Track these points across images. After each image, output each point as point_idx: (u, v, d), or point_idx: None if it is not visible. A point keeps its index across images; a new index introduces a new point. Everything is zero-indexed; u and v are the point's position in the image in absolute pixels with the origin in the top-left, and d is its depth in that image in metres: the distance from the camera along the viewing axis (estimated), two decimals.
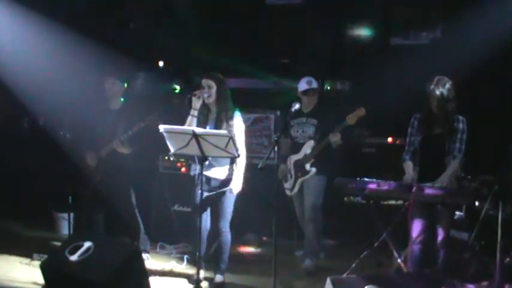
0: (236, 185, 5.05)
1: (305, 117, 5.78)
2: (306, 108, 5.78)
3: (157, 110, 5.52)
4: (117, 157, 5.64)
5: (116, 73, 5.80)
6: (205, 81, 5.09)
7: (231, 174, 5.10)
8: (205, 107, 5.12)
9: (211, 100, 5.08)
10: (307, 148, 5.72)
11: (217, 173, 5.09)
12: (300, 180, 5.77)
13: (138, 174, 5.93)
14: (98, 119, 5.78)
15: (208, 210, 5.17)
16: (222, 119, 5.05)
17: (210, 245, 5.36)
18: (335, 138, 5.46)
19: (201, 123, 5.07)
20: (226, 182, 5.08)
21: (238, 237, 6.26)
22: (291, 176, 5.85)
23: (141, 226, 5.93)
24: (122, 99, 5.83)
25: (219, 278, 5.23)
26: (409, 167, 4.81)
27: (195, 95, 5.01)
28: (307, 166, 5.70)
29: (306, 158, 5.71)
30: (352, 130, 5.55)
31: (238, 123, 5.09)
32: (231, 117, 5.06)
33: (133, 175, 5.84)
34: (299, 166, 5.75)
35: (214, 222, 5.14)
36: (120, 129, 5.60)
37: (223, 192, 5.07)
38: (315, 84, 5.76)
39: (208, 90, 5.05)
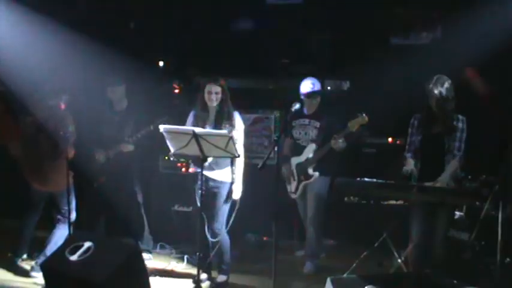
0: (237, 192, 5.09)
1: (307, 119, 5.77)
2: (309, 109, 5.76)
3: (166, 114, 5.53)
4: (123, 158, 5.66)
5: (113, 79, 5.81)
6: (213, 88, 5.05)
7: (230, 176, 5.10)
8: (204, 109, 5.12)
9: (214, 104, 5.07)
10: (309, 152, 5.70)
11: (216, 174, 5.09)
12: (303, 184, 5.76)
13: (142, 174, 5.94)
14: (103, 120, 5.79)
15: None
16: (222, 121, 5.05)
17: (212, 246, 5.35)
18: (336, 145, 5.44)
19: (200, 125, 5.08)
20: (224, 183, 5.08)
21: (239, 237, 6.26)
22: (294, 179, 5.83)
23: (146, 225, 5.95)
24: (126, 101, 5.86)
25: (221, 278, 5.24)
26: (410, 161, 4.80)
27: None
28: (310, 170, 5.69)
29: (308, 162, 5.70)
30: (352, 133, 5.52)
31: (238, 123, 5.09)
32: (231, 118, 5.06)
33: (138, 175, 5.86)
34: (301, 170, 5.74)
35: (210, 223, 5.14)
36: (127, 131, 5.62)
37: (219, 194, 5.07)
38: (318, 87, 5.73)
39: (216, 96, 5.05)
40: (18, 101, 5.77)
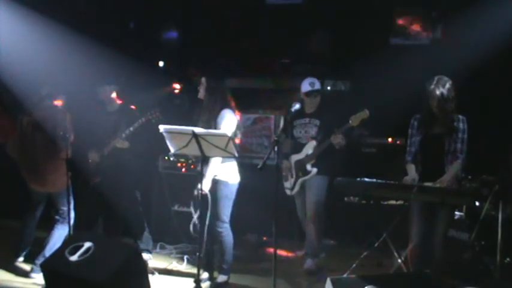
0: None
1: (308, 118, 5.79)
2: (309, 109, 5.78)
3: (158, 106, 5.53)
4: (120, 156, 5.65)
5: (105, 79, 5.81)
6: (201, 79, 5.17)
7: (231, 176, 5.10)
8: (201, 104, 5.16)
9: (201, 97, 5.14)
10: (309, 148, 5.72)
11: (217, 173, 5.08)
12: (300, 180, 5.77)
13: (140, 173, 5.94)
14: (97, 120, 5.78)
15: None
16: (208, 117, 5.06)
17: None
18: (337, 140, 5.47)
19: (197, 121, 5.09)
20: (224, 183, 5.09)
21: (239, 237, 6.25)
22: (292, 176, 5.85)
23: (146, 225, 5.96)
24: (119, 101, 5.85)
25: (221, 278, 5.23)
26: (411, 169, 4.81)
27: None
28: (308, 166, 5.70)
29: (307, 158, 5.71)
30: (353, 130, 5.55)
31: (225, 122, 5.03)
32: (217, 116, 5.04)
33: (136, 174, 5.86)
34: (300, 166, 5.75)
35: (212, 222, 5.14)
36: (122, 128, 5.62)
37: (218, 192, 5.07)
38: (318, 86, 5.75)
39: (202, 88, 5.13)
40: (16, 101, 5.77)
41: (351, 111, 5.47)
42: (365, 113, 5.36)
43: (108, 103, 5.84)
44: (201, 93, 5.15)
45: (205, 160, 4.74)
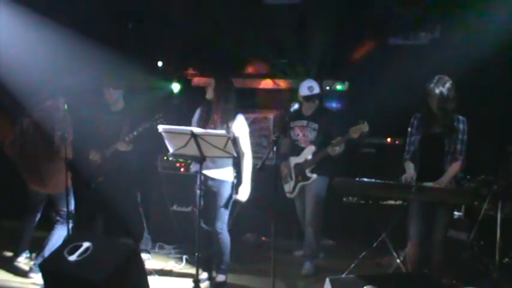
0: (242, 193, 5.05)
1: (306, 121, 5.75)
2: (307, 111, 5.75)
3: (162, 111, 5.53)
4: (121, 157, 5.65)
5: (111, 81, 5.80)
6: (209, 79, 5.18)
7: (230, 175, 5.10)
8: (208, 104, 5.14)
9: (211, 97, 5.11)
10: (308, 153, 5.70)
11: (215, 173, 5.09)
12: (300, 185, 5.76)
13: (140, 173, 5.94)
14: (100, 120, 5.77)
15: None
16: (221, 120, 5.05)
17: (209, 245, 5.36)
18: (334, 152, 5.46)
19: (202, 122, 5.09)
20: (223, 182, 5.08)
21: (238, 237, 6.25)
22: (291, 179, 5.83)
23: (145, 225, 5.96)
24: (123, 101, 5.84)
25: (220, 277, 5.23)
26: (409, 167, 4.80)
27: None
28: (308, 172, 5.68)
29: (306, 164, 5.69)
30: (353, 138, 5.50)
31: (239, 125, 5.08)
32: (232, 119, 5.05)
33: (137, 175, 5.86)
34: (299, 170, 5.74)
35: (211, 223, 5.14)
36: (125, 130, 5.61)
37: (219, 193, 5.07)
38: (316, 90, 5.69)
39: (209, 88, 5.11)
40: (15, 102, 5.77)
41: (350, 113, 5.45)
42: (364, 126, 5.30)
43: (112, 104, 5.82)
44: (209, 94, 5.13)
45: (203, 160, 4.73)
